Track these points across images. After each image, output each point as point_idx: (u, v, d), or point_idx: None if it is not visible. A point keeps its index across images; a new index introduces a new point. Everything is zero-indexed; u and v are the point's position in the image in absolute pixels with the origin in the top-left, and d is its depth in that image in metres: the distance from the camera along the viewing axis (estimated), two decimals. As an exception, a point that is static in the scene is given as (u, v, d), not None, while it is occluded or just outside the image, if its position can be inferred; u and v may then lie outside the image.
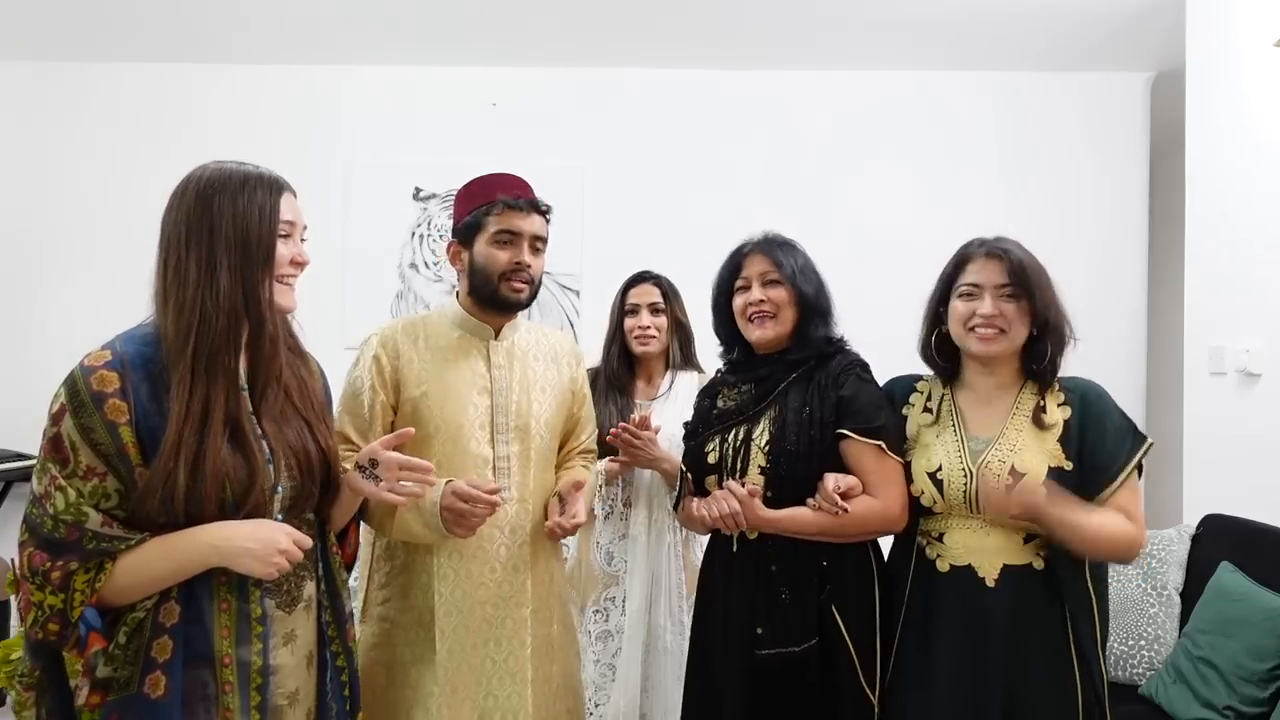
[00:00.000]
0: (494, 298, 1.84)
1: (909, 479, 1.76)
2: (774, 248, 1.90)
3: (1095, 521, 1.63)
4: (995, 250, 1.75)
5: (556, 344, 2.01)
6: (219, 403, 1.29)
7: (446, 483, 1.67)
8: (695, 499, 1.86)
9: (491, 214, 1.83)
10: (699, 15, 3.51)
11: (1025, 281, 1.71)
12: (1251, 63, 2.86)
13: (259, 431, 1.35)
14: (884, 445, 1.74)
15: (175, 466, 1.24)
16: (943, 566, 1.72)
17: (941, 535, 1.74)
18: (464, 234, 1.86)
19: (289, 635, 1.38)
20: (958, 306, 1.76)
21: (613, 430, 2.19)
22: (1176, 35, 3.32)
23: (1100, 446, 1.68)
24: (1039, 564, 1.67)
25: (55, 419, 1.25)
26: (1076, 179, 3.91)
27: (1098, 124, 3.94)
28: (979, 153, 3.94)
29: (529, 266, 1.84)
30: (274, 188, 1.37)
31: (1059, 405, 1.72)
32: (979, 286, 1.74)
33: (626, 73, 3.99)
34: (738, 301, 1.91)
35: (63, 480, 1.23)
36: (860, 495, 1.74)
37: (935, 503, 1.73)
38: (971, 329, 1.74)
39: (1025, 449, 1.68)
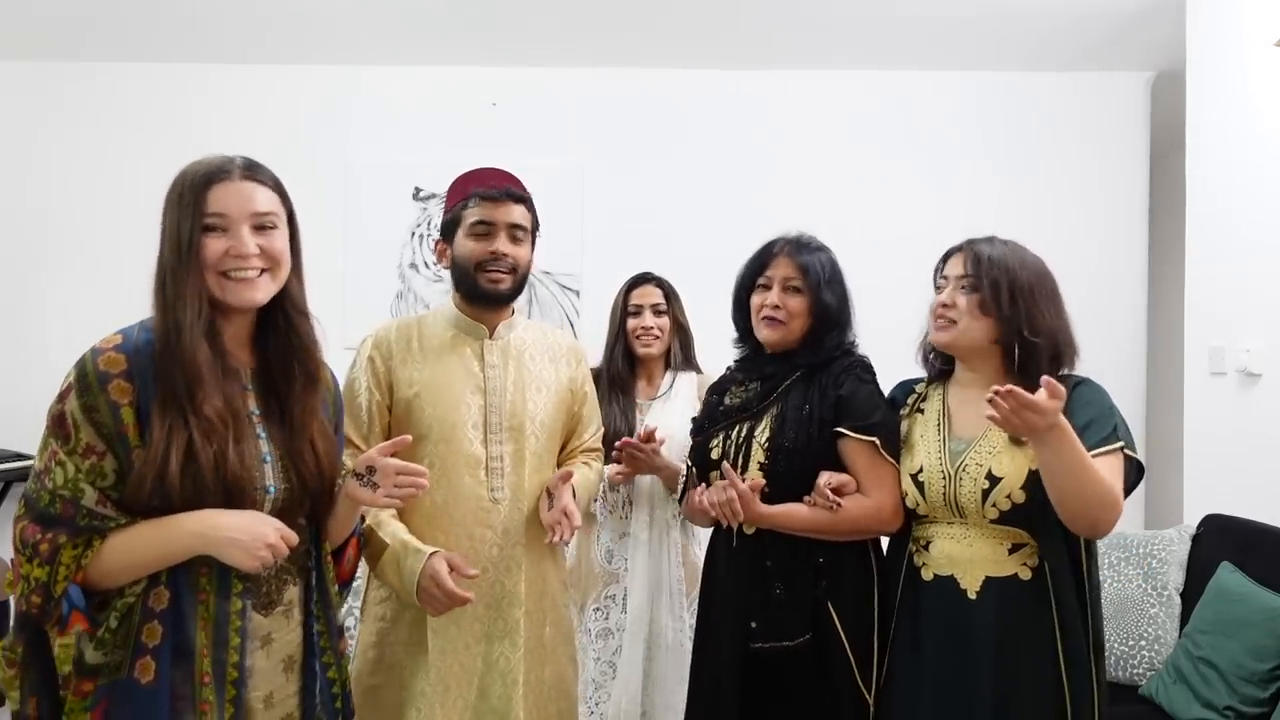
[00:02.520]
0: (474, 291, 1.83)
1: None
2: (803, 252, 1.88)
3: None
4: (965, 244, 1.74)
5: (557, 342, 2.00)
6: (200, 394, 1.28)
7: (432, 554, 1.67)
8: (698, 489, 1.88)
9: (468, 207, 1.84)
10: (699, 15, 3.51)
11: (989, 275, 1.67)
12: (1252, 62, 2.86)
13: (255, 429, 1.35)
14: (878, 443, 1.74)
15: (169, 453, 1.24)
16: (927, 575, 1.70)
17: (928, 543, 1.71)
18: (446, 231, 1.88)
19: (265, 638, 1.37)
20: (933, 300, 1.78)
21: (619, 444, 2.20)
22: (1176, 35, 3.32)
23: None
24: (1025, 574, 1.62)
25: (61, 396, 1.27)
26: (1077, 179, 3.91)
27: (1098, 124, 3.93)
28: (979, 152, 3.93)
29: (505, 256, 1.82)
30: (205, 180, 1.32)
31: None
32: (946, 279, 1.74)
33: (626, 73, 3.99)
34: (755, 299, 1.90)
35: (63, 455, 1.25)
36: (854, 494, 1.75)
37: (918, 505, 1.71)
38: (936, 320, 1.75)
39: (1004, 451, 1.64)
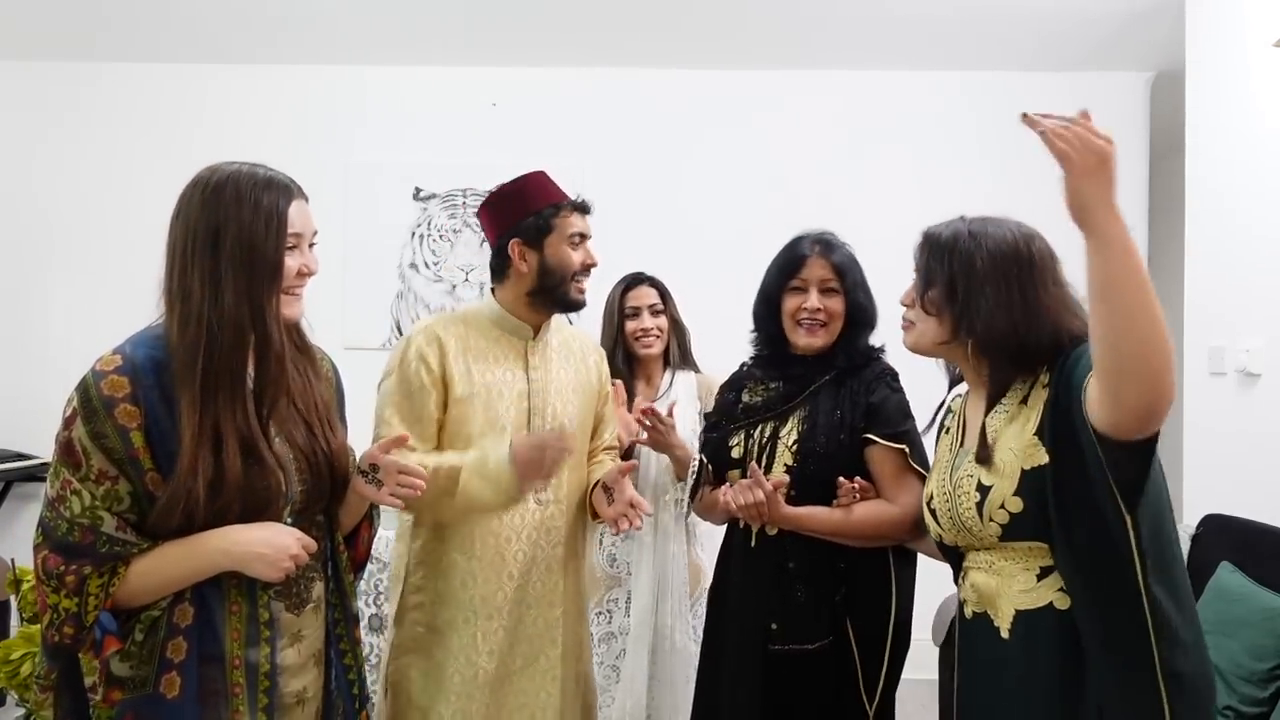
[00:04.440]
0: (564, 298, 1.85)
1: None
2: (836, 253, 1.86)
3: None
4: (924, 232, 1.54)
5: (581, 343, 2.02)
6: (230, 419, 1.28)
7: (510, 445, 1.67)
8: (722, 488, 1.83)
9: (559, 215, 1.84)
10: (699, 15, 3.51)
11: (928, 268, 1.46)
12: (1251, 63, 2.86)
13: (269, 442, 1.35)
14: (907, 451, 1.73)
15: (195, 485, 1.24)
16: (967, 613, 1.48)
17: (966, 574, 1.49)
18: (530, 235, 1.84)
19: (296, 636, 1.38)
20: None
21: (641, 409, 2.14)
22: (1176, 35, 3.32)
23: (1067, 389, 1.31)
24: (1062, 603, 1.34)
25: (67, 423, 1.26)
26: (1076, 179, 3.91)
27: (1098, 124, 3.93)
28: (979, 152, 3.93)
29: (595, 266, 1.88)
30: (282, 197, 1.33)
31: (1044, 387, 1.39)
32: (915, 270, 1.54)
33: (626, 73, 3.99)
34: (790, 303, 1.85)
35: (77, 484, 1.24)
36: (876, 500, 1.74)
37: (940, 535, 1.51)
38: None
39: (993, 454, 1.40)
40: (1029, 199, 4.18)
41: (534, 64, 3.97)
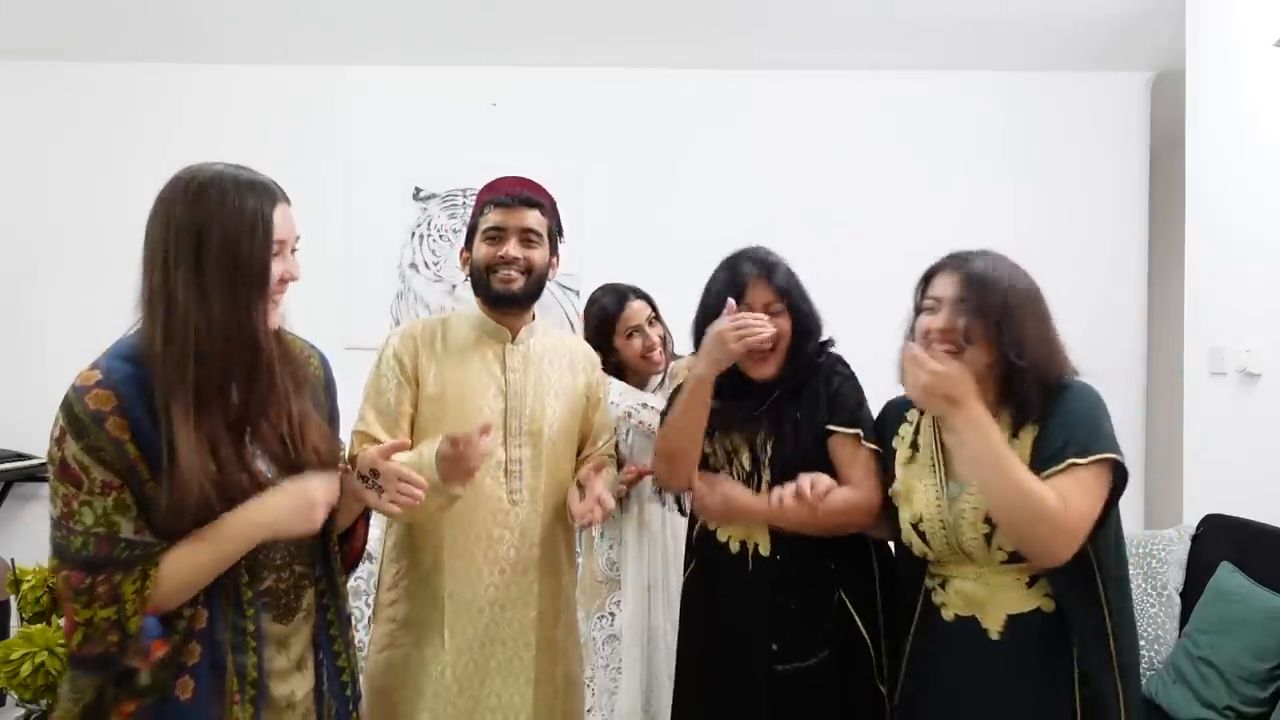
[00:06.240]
0: (488, 293, 1.88)
1: (897, 529, 1.66)
2: (775, 273, 1.80)
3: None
4: (953, 261, 1.60)
5: (573, 349, 2.03)
6: (220, 426, 1.28)
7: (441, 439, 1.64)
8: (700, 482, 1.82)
9: (483, 215, 1.90)
10: (699, 15, 3.51)
11: (982, 296, 1.53)
12: (1251, 63, 2.86)
13: (257, 450, 1.34)
14: (860, 434, 1.73)
15: (204, 490, 1.24)
16: (948, 615, 1.59)
17: (945, 582, 1.61)
18: (468, 240, 1.94)
19: (283, 643, 1.38)
20: (920, 322, 1.61)
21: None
22: (1176, 35, 3.32)
23: (1042, 448, 1.49)
24: (1048, 606, 1.51)
25: (58, 443, 1.23)
26: (1076, 179, 3.91)
27: (1098, 124, 3.93)
28: (979, 153, 3.93)
29: (516, 259, 1.86)
30: (266, 201, 1.30)
31: (1033, 424, 1.54)
32: (939, 300, 1.58)
33: (626, 73, 3.99)
34: None
35: (85, 496, 1.22)
36: (839, 489, 1.71)
37: (926, 554, 1.61)
38: (930, 344, 1.57)
39: None
40: (1029, 199, 4.20)
41: (534, 64, 3.96)
